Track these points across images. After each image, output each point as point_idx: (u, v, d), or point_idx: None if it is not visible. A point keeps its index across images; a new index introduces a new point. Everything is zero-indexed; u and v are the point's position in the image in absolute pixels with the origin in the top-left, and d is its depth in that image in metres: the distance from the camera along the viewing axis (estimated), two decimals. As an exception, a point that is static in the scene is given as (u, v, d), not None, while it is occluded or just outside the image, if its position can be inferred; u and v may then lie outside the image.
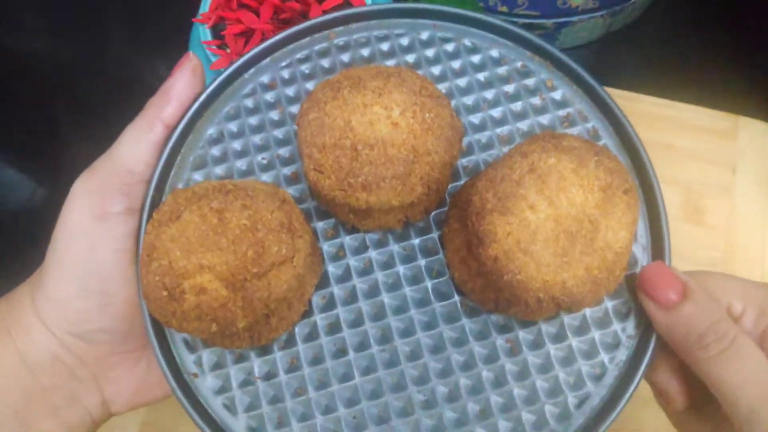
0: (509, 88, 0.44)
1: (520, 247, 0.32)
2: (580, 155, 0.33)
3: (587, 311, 0.39)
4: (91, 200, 0.40)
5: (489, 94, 0.44)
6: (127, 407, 0.43)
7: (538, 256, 0.32)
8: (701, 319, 0.33)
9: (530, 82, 0.44)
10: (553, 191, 0.32)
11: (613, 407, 0.37)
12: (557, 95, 0.43)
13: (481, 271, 0.37)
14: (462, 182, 0.42)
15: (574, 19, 0.70)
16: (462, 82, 0.44)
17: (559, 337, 0.39)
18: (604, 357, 0.38)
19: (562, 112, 0.43)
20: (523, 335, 0.39)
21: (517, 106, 0.43)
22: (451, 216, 0.40)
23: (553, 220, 0.32)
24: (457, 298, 0.40)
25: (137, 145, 0.41)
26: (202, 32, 0.58)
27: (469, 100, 0.44)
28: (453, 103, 0.43)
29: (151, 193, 0.41)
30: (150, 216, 0.40)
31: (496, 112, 0.43)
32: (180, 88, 0.42)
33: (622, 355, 0.38)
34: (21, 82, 0.65)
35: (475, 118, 0.43)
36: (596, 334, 0.39)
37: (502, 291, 0.35)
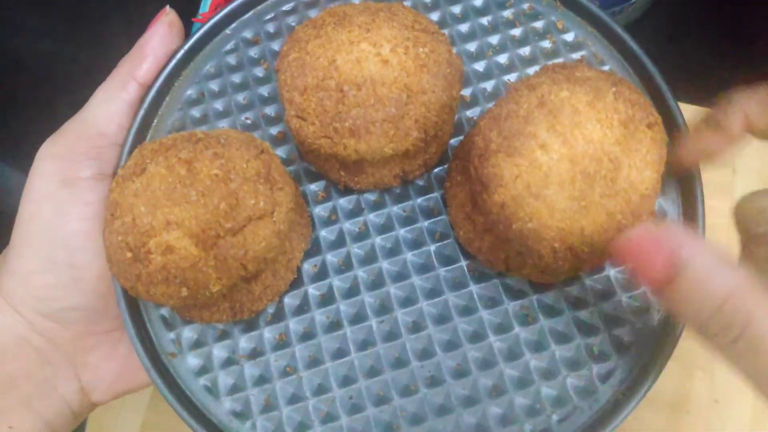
0: (516, 31, 0.40)
1: (531, 192, 0.28)
2: (597, 86, 0.29)
3: (611, 272, 0.35)
4: (58, 165, 0.36)
5: (494, 40, 0.39)
6: (109, 395, 0.39)
7: (551, 201, 0.27)
8: (701, 300, 0.24)
9: (539, 24, 0.39)
10: (566, 127, 0.28)
11: (643, 381, 0.32)
12: (569, 37, 0.39)
13: (487, 224, 0.32)
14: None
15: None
16: (464, 27, 0.40)
17: (580, 303, 0.34)
18: (632, 324, 0.34)
19: (575, 55, 0.39)
20: (539, 301, 0.34)
21: (526, 51, 0.39)
22: (453, 168, 0.36)
23: (567, 160, 0.28)
24: (463, 261, 0.36)
25: (109, 105, 0.38)
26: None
27: (472, 46, 0.40)
28: (454, 50, 0.39)
29: (124, 157, 0.37)
30: (122, 180, 0.36)
31: (503, 59, 0.39)
32: (156, 43, 0.39)
33: (653, 320, 0.34)
34: (21, 82, 0.63)
35: (480, 66, 0.39)
36: (623, 297, 0.34)
37: (511, 244, 0.31)
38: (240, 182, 0.29)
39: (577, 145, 0.28)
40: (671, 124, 0.35)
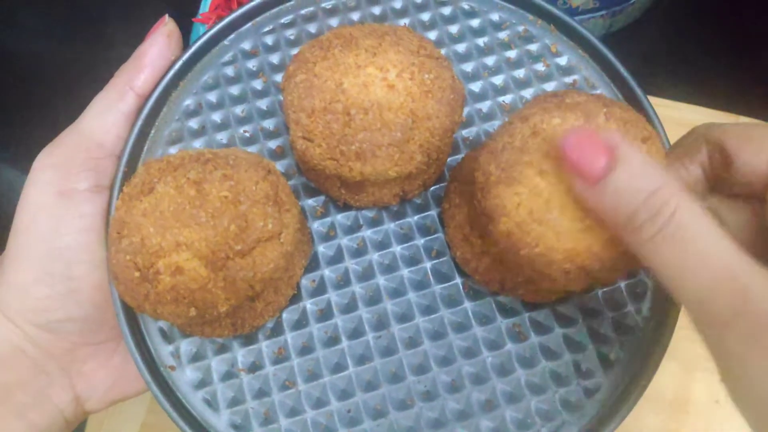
0: (511, 53, 0.41)
1: (534, 218, 0.28)
2: (587, 110, 0.29)
3: (599, 292, 0.36)
4: (55, 176, 0.36)
5: (490, 61, 0.41)
6: (103, 404, 0.39)
7: (555, 224, 0.28)
8: (632, 192, 0.25)
9: (533, 47, 0.41)
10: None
11: (625, 399, 0.34)
12: (562, 61, 0.40)
13: (488, 250, 0.33)
14: (462, 155, 0.39)
15: (575, 19, 0.67)
16: (460, 48, 0.41)
17: (569, 321, 0.36)
18: (617, 341, 0.36)
19: (568, 79, 0.40)
20: (530, 318, 0.36)
21: (520, 73, 0.40)
22: (451, 191, 0.37)
23: (566, 183, 0.28)
24: (458, 279, 0.37)
25: (106, 116, 0.37)
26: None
27: (468, 67, 0.41)
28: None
29: (122, 168, 0.37)
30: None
31: (498, 80, 0.40)
32: (154, 54, 0.39)
33: (635, 338, 0.35)
34: (21, 82, 0.62)
35: (475, 87, 0.40)
36: (609, 316, 0.36)
37: (522, 270, 0.31)
38: (249, 204, 0.30)
39: None
40: None
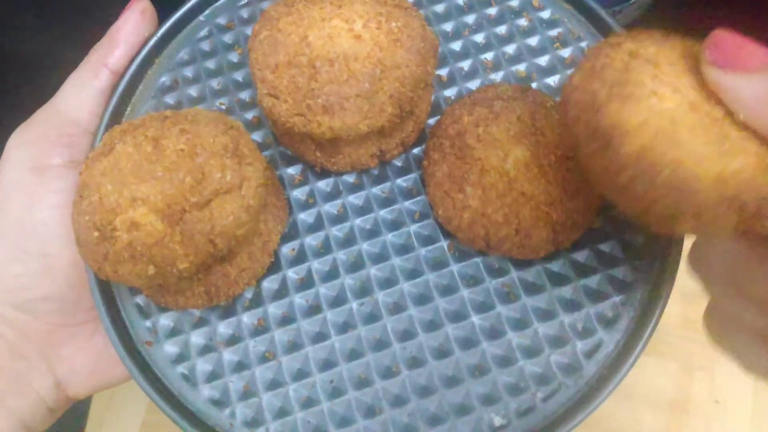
0: (492, 10, 0.39)
1: (665, 138, 0.23)
2: (677, 41, 0.26)
3: (594, 247, 0.34)
4: (28, 152, 0.35)
5: (470, 19, 0.39)
6: (86, 389, 0.38)
7: (690, 147, 0.23)
8: None
9: (515, 2, 0.39)
10: (670, 76, 0.24)
11: (629, 353, 0.32)
12: (545, 14, 0.39)
13: (469, 204, 0.31)
14: (444, 115, 0.37)
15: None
16: (439, 8, 0.40)
17: (562, 279, 0.34)
18: (615, 298, 0.33)
19: (552, 32, 0.38)
20: (520, 278, 0.34)
21: (502, 29, 0.39)
22: (431, 147, 0.35)
23: (687, 105, 0.24)
24: (444, 241, 0.35)
25: (80, 93, 0.37)
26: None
27: (448, 26, 0.39)
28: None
29: (96, 145, 0.37)
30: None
31: (479, 37, 0.39)
32: (127, 31, 0.38)
33: (637, 294, 0.33)
34: (20, 82, 0.62)
35: (456, 45, 0.39)
36: (605, 273, 0.34)
37: (655, 204, 0.25)
38: (206, 156, 0.29)
39: (689, 92, 0.24)
40: None
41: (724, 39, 0.23)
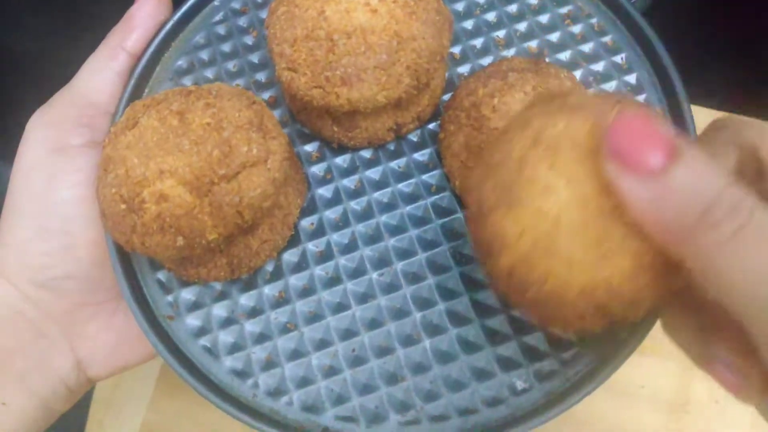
0: (502, -11, 0.40)
1: (541, 247, 0.23)
2: (597, 109, 0.23)
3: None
4: (48, 133, 0.36)
5: (480, -1, 0.40)
6: (106, 370, 0.38)
7: (566, 253, 0.22)
8: (702, 186, 0.20)
9: (524, -19, 0.40)
10: (569, 164, 0.23)
11: (634, 331, 0.32)
12: (555, -8, 0.39)
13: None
14: (457, 91, 0.38)
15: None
16: (450, -12, 0.40)
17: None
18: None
19: (562, 10, 0.39)
20: (538, 246, 0.34)
21: (513, 8, 0.39)
22: (446, 120, 0.36)
23: (576, 201, 0.22)
24: (460, 212, 0.35)
25: (99, 75, 0.38)
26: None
27: (460, 6, 0.40)
28: (441, 10, 0.40)
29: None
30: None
31: (491, 16, 0.39)
32: (144, 14, 0.39)
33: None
34: (20, 82, 0.63)
35: (468, 24, 0.39)
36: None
37: (531, 314, 0.26)
38: (232, 130, 0.29)
39: (585, 183, 0.22)
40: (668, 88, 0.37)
41: (626, 129, 0.21)
